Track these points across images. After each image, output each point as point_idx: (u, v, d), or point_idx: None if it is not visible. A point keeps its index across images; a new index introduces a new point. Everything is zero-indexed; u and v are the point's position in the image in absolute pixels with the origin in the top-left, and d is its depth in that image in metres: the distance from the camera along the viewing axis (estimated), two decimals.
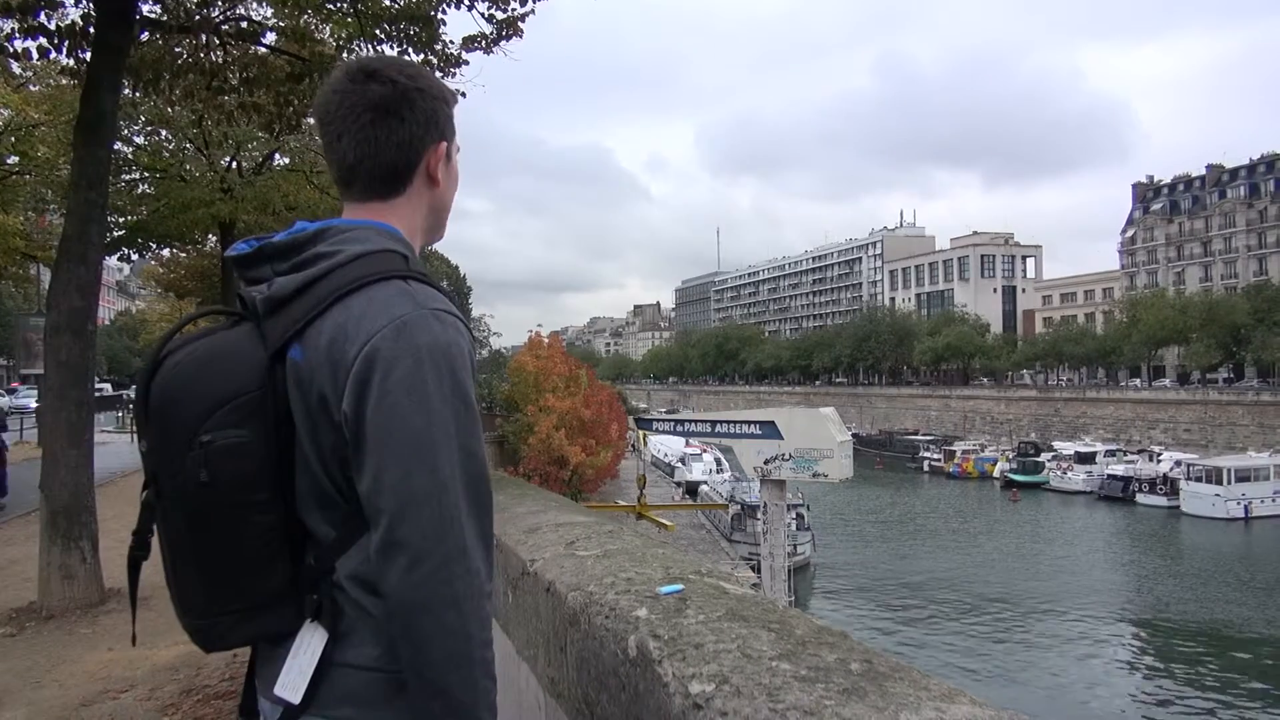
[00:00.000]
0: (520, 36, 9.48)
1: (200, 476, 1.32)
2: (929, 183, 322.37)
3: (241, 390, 1.35)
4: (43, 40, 8.04)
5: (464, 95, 9.71)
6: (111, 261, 23.74)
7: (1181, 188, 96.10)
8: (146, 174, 17.79)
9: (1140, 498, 53.12)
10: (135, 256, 21.61)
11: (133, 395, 1.55)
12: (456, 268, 71.12)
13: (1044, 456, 64.67)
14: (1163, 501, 51.36)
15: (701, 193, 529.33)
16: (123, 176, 17.31)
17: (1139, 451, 63.47)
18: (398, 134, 1.48)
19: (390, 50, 9.39)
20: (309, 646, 1.37)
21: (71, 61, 8.72)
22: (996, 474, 63.93)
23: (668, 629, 1.47)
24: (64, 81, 12.71)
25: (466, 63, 9.63)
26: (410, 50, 9.47)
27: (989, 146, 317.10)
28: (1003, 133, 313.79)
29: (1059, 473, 60.42)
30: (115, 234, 18.40)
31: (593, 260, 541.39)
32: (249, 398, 1.34)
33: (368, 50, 9.17)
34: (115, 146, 14.41)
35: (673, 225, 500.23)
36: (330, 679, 1.36)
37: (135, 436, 1.41)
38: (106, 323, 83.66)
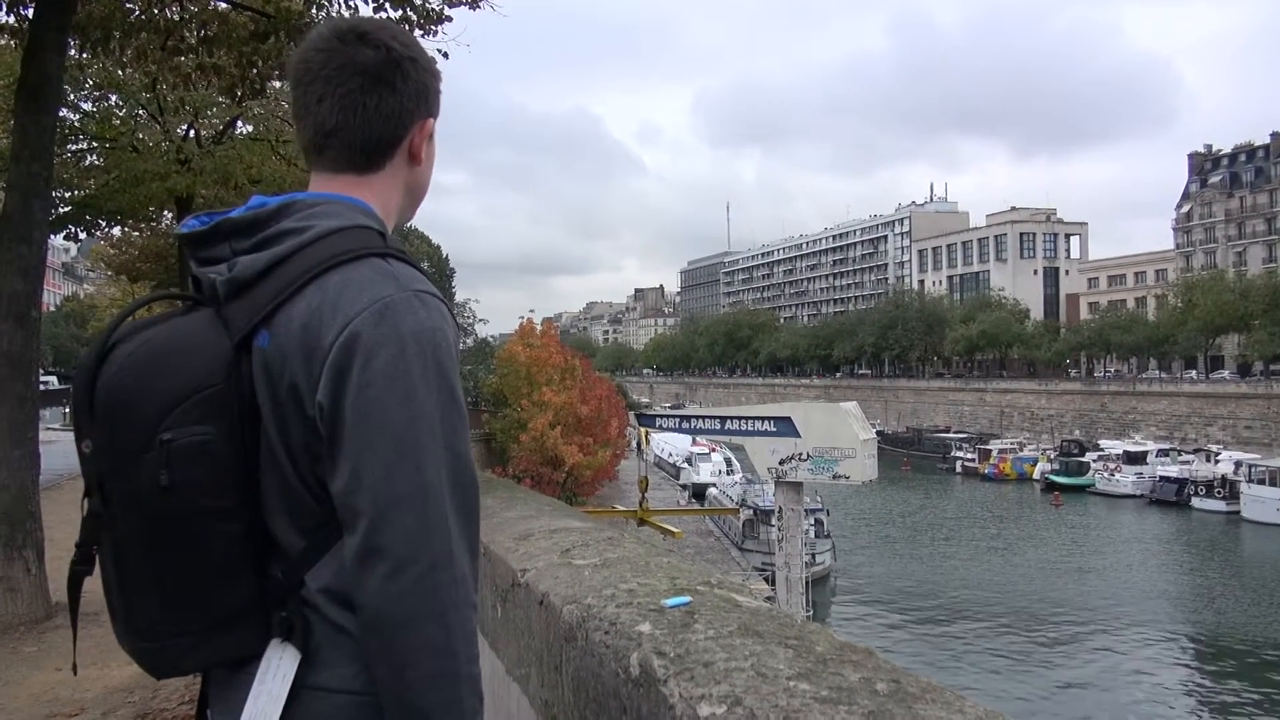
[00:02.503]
0: None
1: (160, 480, 1.29)
2: (952, 154, 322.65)
3: (205, 383, 1.32)
4: None
5: (446, 56, 9.72)
6: (57, 241, 23.72)
7: (1243, 158, 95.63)
8: (95, 144, 17.72)
9: (1196, 502, 53.17)
10: (83, 235, 21.50)
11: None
12: (438, 248, 71.08)
13: (1089, 456, 64.81)
14: (1221, 506, 51.41)
15: (701, 165, 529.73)
16: (69, 147, 17.25)
17: (1195, 451, 63.42)
18: (388, 104, 1.47)
19: (365, 6, 9.37)
20: (278, 669, 1.34)
21: (12, 19, 8.71)
22: (1036, 475, 64.00)
23: (674, 645, 1.47)
24: (4, 42, 12.67)
25: (449, 19, 9.61)
26: (387, 5, 9.44)
27: (1017, 113, 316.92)
28: (1032, 97, 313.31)
29: (1106, 474, 60.48)
30: (61, 210, 18.34)
31: (584, 239, 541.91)
32: (213, 391, 1.32)
33: (339, 6, 9.15)
34: (61, 113, 14.40)
35: (671, 200, 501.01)
36: (301, 704, 1.33)
37: (76, 436, 1.38)
38: (52, 309, 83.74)
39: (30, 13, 8.14)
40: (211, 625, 1.36)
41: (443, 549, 1.26)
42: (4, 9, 8.20)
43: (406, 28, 9.48)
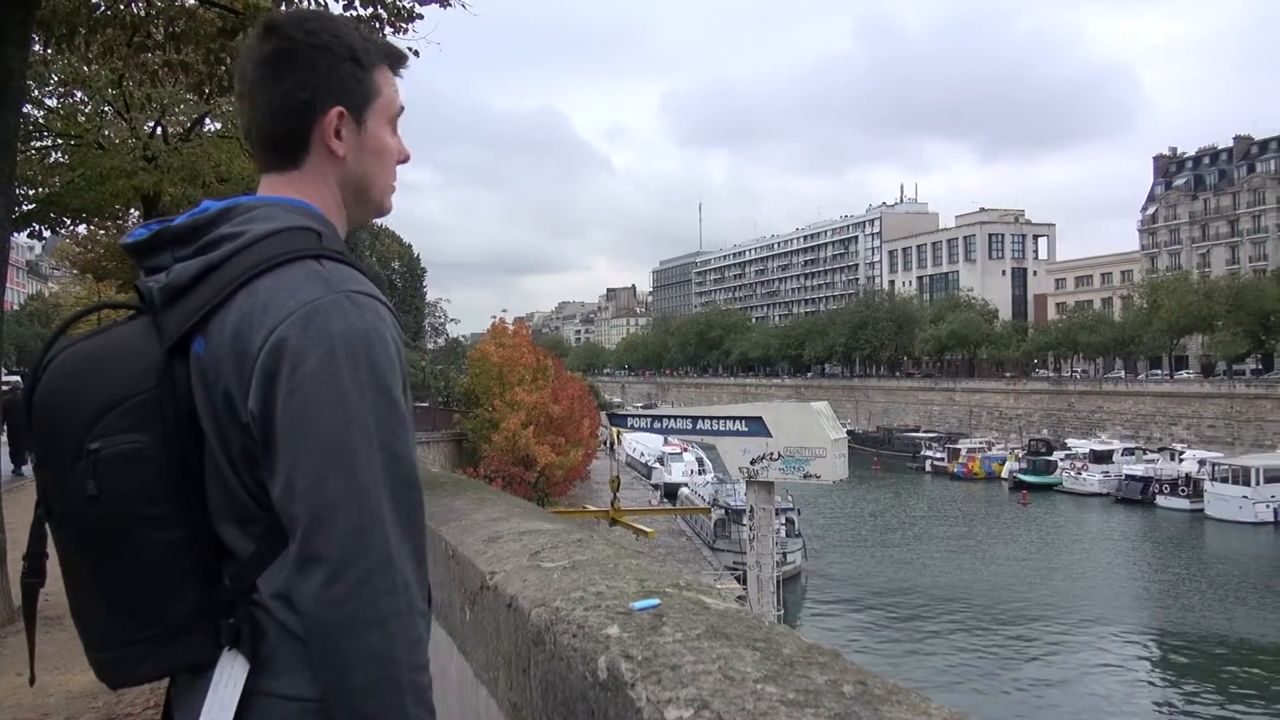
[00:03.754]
0: None
1: (88, 490, 1.28)
2: (919, 155, 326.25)
3: (134, 391, 1.31)
4: None
5: (417, 54, 9.66)
6: (21, 239, 23.42)
7: (1207, 161, 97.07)
8: (60, 141, 17.51)
9: (1161, 500, 53.85)
10: (48, 233, 21.25)
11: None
12: (409, 246, 70.84)
13: (1056, 455, 65.47)
14: (1185, 504, 52.09)
15: (669, 165, 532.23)
16: (32, 144, 17.03)
17: (1160, 450, 64.37)
18: (285, 96, 1.43)
19: (334, 4, 9.30)
20: (230, 677, 1.33)
21: None
22: (1005, 474, 64.60)
23: (642, 649, 1.47)
24: None
25: (420, 17, 9.56)
26: (357, 2, 9.38)
27: (983, 116, 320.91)
28: (996, 101, 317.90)
29: (1073, 473, 61.17)
30: (25, 208, 18.08)
31: (553, 238, 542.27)
32: (143, 398, 1.31)
33: (309, 3, 9.07)
34: (25, 110, 14.21)
35: (640, 200, 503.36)
36: (254, 711, 1.32)
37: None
38: (16, 308, 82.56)
39: None
40: (161, 634, 1.34)
41: (381, 555, 1.24)
42: None
43: (377, 25, 9.46)
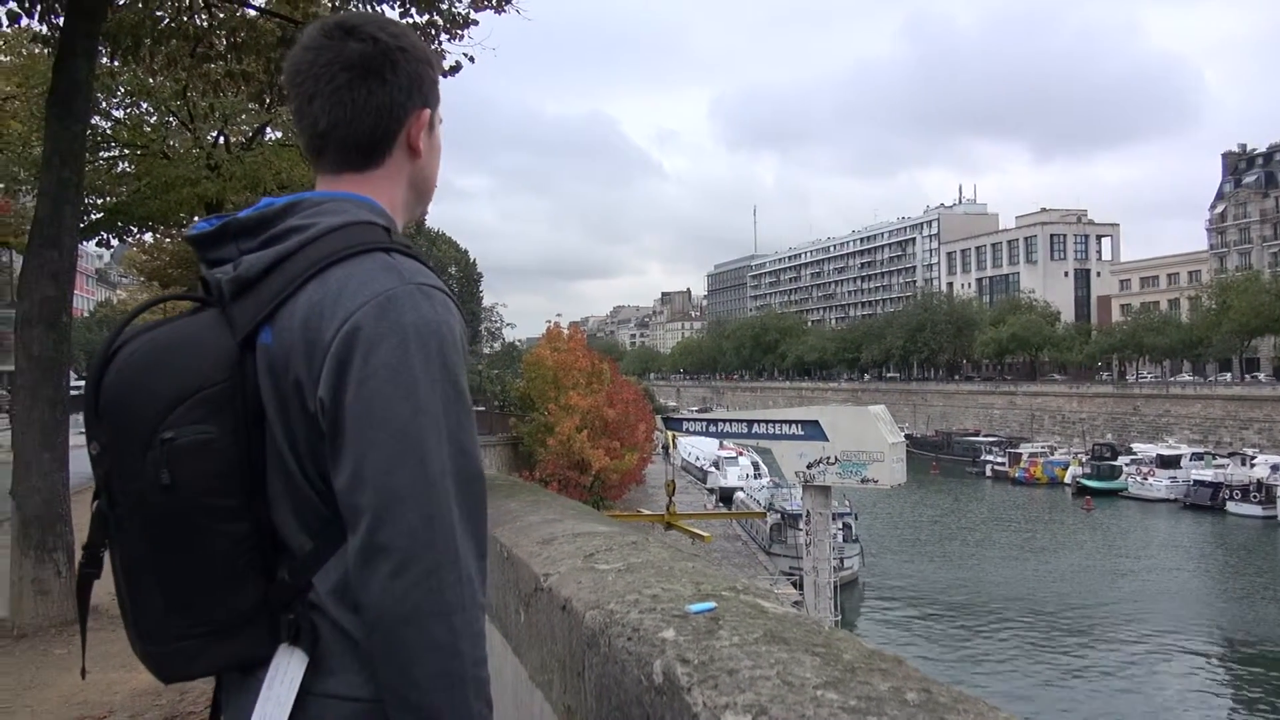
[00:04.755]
0: None
1: (162, 479, 1.29)
2: (970, 156, 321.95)
3: (207, 382, 1.32)
4: (13, 4, 8.14)
5: (472, 60, 9.76)
6: (90, 247, 24.08)
7: (1278, 157, 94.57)
8: (126, 151, 18.00)
9: (1232, 506, 52.50)
10: (115, 242, 21.83)
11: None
12: (465, 252, 71.53)
13: (1122, 460, 64.13)
14: (1258, 511, 50.75)
15: (719, 169, 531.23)
16: (100, 154, 17.52)
17: (1230, 455, 62.66)
18: (377, 97, 1.45)
19: (391, 10, 9.42)
20: (286, 674, 1.33)
21: (44, 28, 8.83)
22: (1068, 480, 63.46)
23: (698, 653, 1.44)
24: (36, 50, 12.86)
25: (475, 23, 9.67)
26: (414, 10, 9.50)
27: (1035, 114, 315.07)
28: (1049, 98, 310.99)
29: (1139, 478, 59.85)
30: (93, 217, 18.62)
31: (605, 243, 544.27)
32: (216, 390, 1.32)
33: (367, 10, 9.18)
34: (92, 121, 14.59)
35: (692, 204, 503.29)
36: (308, 711, 1.32)
37: (86, 438, 1.39)
38: (85, 314, 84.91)
39: (61, 20, 8.23)
40: (217, 628, 1.34)
41: (448, 547, 1.25)
42: (35, 17, 8.29)
43: (433, 32, 9.56)
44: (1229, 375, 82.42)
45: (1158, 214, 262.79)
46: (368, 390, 1.26)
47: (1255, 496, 51.67)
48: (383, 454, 1.25)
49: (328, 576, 1.34)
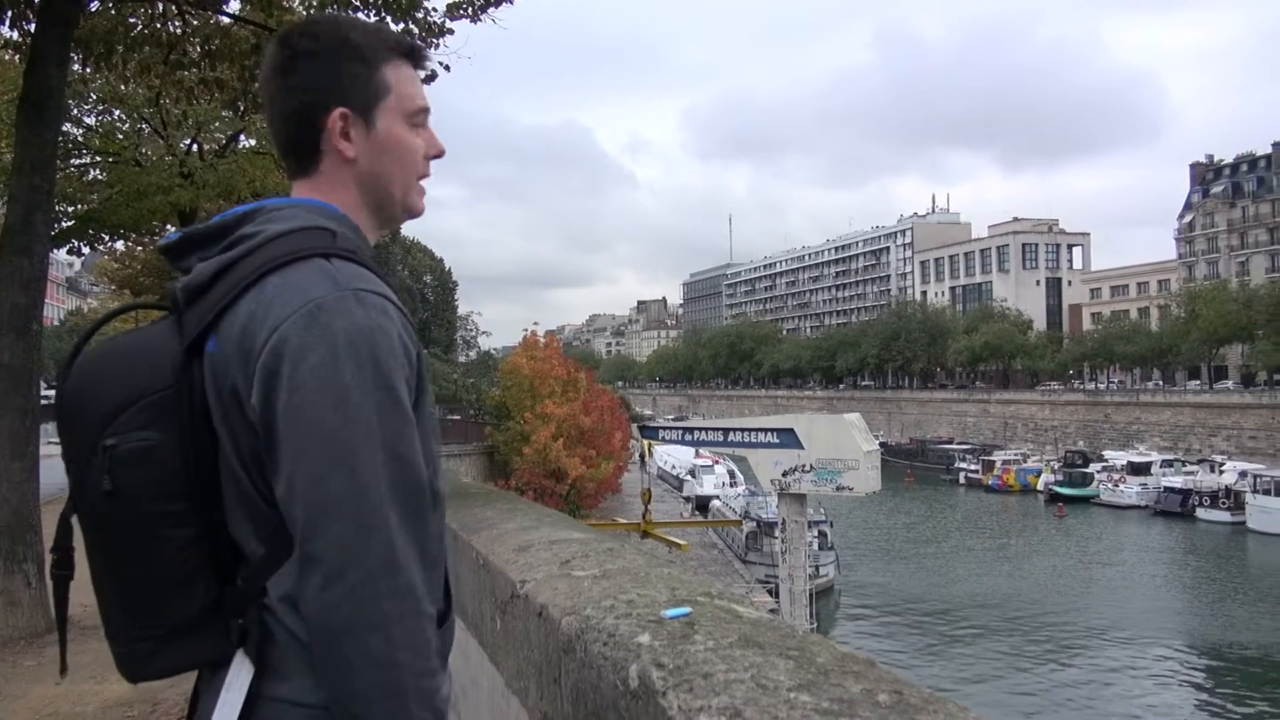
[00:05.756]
0: (511, 2, 9.51)
1: (104, 485, 1.31)
2: (942, 166, 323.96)
3: (150, 388, 1.33)
4: None
5: (448, 69, 9.75)
6: (61, 255, 23.80)
7: (1245, 168, 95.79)
8: (98, 158, 17.80)
9: (1201, 513, 53.08)
10: (86, 250, 21.60)
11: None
12: (441, 260, 71.25)
13: (1093, 467, 64.69)
14: (1226, 517, 51.33)
15: (692, 178, 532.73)
16: (72, 161, 17.31)
17: (1199, 461, 63.34)
18: (290, 102, 1.47)
19: (367, 17, 9.38)
20: (240, 679, 1.34)
21: (15, 34, 8.74)
22: (1040, 487, 63.91)
23: (673, 657, 1.45)
24: (7, 56, 12.72)
25: (451, 32, 9.66)
26: (389, 18, 9.48)
27: (1005, 125, 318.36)
28: (1019, 110, 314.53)
29: (1110, 485, 60.41)
30: (64, 224, 18.40)
31: (580, 252, 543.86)
32: (158, 396, 1.33)
33: (341, 11, 9.15)
34: (64, 128, 14.45)
35: (664, 213, 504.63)
36: (260, 715, 1.32)
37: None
38: (55, 323, 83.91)
39: (32, 26, 8.16)
40: (170, 630, 1.36)
41: (382, 557, 1.23)
42: (6, 22, 8.22)
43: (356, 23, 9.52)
44: (1197, 383, 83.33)
45: (1126, 224, 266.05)
46: (297, 400, 1.25)
47: (1224, 503, 52.24)
48: (312, 464, 1.24)
49: (280, 582, 1.33)
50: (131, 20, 9.40)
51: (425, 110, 1.55)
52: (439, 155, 1.58)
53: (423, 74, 1.58)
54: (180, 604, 1.35)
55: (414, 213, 1.58)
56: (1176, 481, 57.04)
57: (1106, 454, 69.30)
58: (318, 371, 1.25)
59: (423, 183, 1.58)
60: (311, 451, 1.24)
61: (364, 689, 1.22)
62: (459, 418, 44.54)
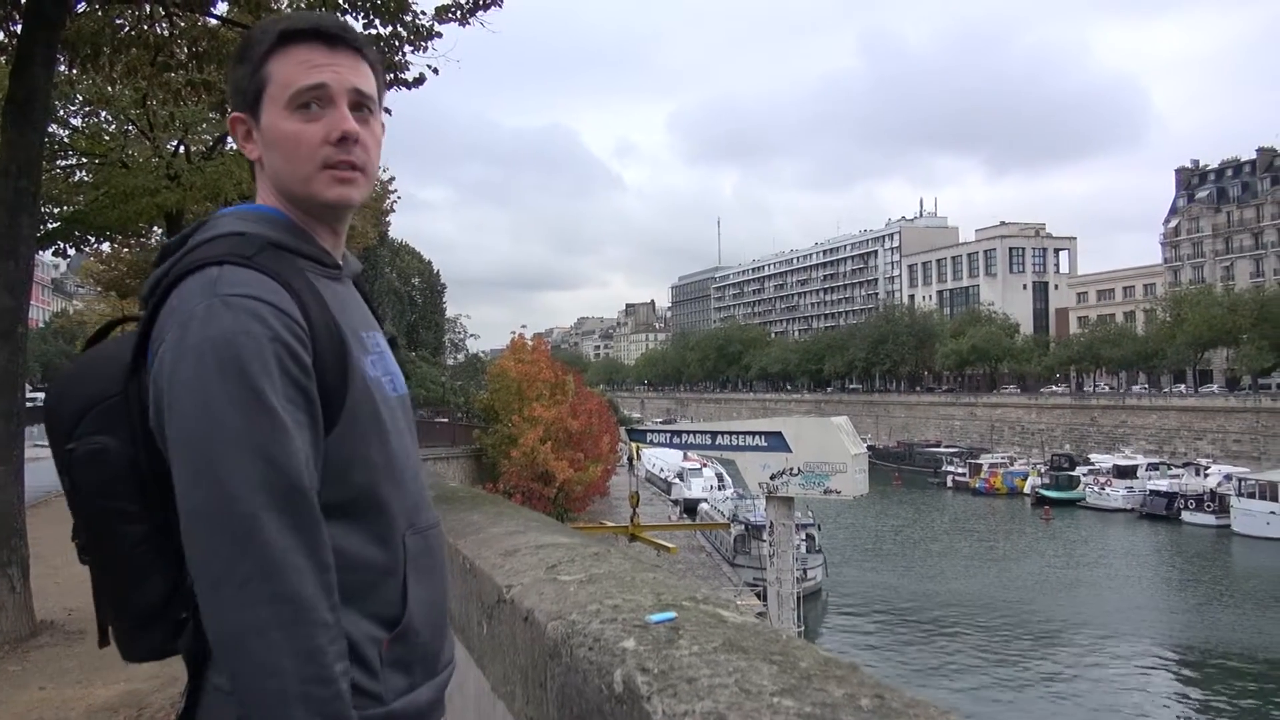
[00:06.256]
0: (500, 5, 9.52)
1: (65, 484, 1.43)
2: (928, 170, 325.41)
3: (103, 395, 1.42)
4: None
5: (436, 72, 9.75)
6: (46, 257, 23.69)
7: (1230, 173, 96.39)
8: (84, 160, 17.73)
9: (1186, 516, 53.32)
10: (72, 251, 21.54)
11: None
12: (429, 263, 71.01)
13: (1079, 470, 64.89)
14: (1211, 520, 51.53)
15: (679, 181, 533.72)
16: (58, 163, 17.24)
17: (1185, 465, 63.73)
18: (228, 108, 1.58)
19: (355, 21, 9.38)
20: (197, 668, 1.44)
21: (2, 35, 8.70)
22: (1027, 490, 64.11)
23: (658, 661, 1.46)
24: None
25: (439, 35, 9.65)
26: (377, 21, 9.47)
27: (991, 130, 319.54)
28: (1004, 115, 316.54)
29: (1096, 488, 60.62)
30: (50, 226, 18.32)
31: (567, 254, 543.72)
32: (109, 403, 1.41)
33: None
34: (50, 129, 14.38)
35: (652, 216, 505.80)
36: (204, 703, 1.41)
37: None
38: (41, 325, 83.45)
39: (18, 28, 8.13)
40: (137, 618, 1.46)
41: (257, 565, 1.24)
42: None
43: (396, 44, 9.54)
44: (1183, 387, 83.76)
45: (1110, 228, 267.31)
46: (174, 412, 1.29)
47: (1209, 506, 52.48)
48: (187, 473, 1.28)
49: None
50: (119, 22, 9.37)
51: (314, 87, 1.46)
52: (345, 136, 1.47)
53: (326, 47, 1.48)
54: (142, 594, 1.43)
55: (325, 202, 1.50)
56: (1162, 485, 57.27)
57: (1093, 457, 69.53)
58: (187, 384, 1.29)
59: (344, 171, 1.49)
60: (186, 461, 1.28)
61: (250, 692, 1.26)
62: (446, 420, 44.45)
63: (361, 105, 1.51)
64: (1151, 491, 56.84)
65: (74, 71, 11.07)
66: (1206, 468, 60.44)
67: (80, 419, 1.41)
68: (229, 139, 18.17)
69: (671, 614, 1.73)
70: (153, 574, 1.42)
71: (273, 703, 1.24)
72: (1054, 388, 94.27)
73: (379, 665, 1.42)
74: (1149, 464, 63.49)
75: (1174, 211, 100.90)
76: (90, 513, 1.42)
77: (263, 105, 1.48)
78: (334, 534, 1.36)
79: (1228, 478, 54.36)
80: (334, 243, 1.56)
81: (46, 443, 1.51)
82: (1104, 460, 66.35)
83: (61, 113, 16.06)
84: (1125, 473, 61.13)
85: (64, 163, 17.67)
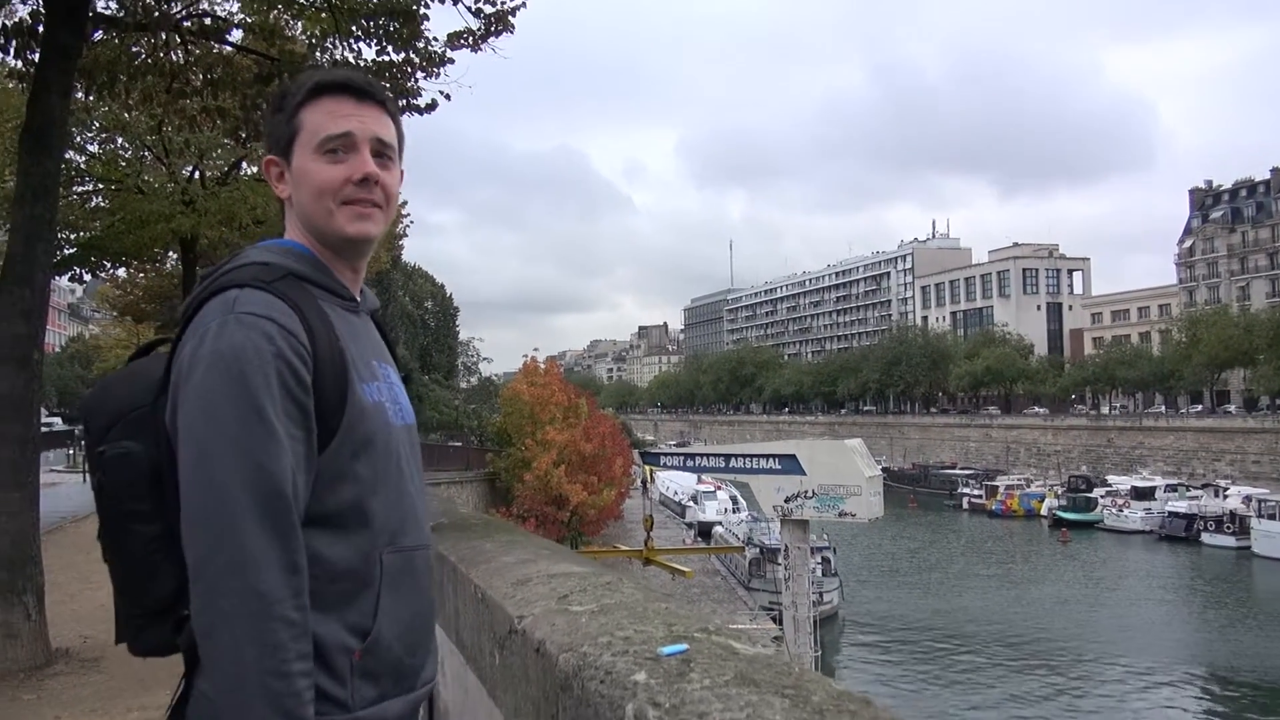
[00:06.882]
0: (511, 32, 9.57)
1: (92, 484, 1.58)
2: (937, 192, 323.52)
3: (133, 405, 1.57)
4: None
5: (448, 98, 9.81)
6: (63, 282, 23.96)
7: (1244, 193, 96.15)
8: (101, 185, 17.88)
9: (1206, 537, 52.87)
10: (88, 277, 21.69)
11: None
12: (442, 286, 71.24)
13: (1097, 492, 64.49)
14: (1231, 542, 51.08)
15: (688, 203, 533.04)
16: (75, 189, 17.39)
17: (1203, 486, 63.16)
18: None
19: (368, 48, 9.47)
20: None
21: (19, 64, 8.80)
22: (1044, 512, 63.73)
23: (669, 695, 1.45)
24: (11, 85, 12.81)
25: (452, 61, 9.71)
26: (390, 48, 9.56)
27: (1000, 152, 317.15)
28: (1013, 136, 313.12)
29: (1114, 510, 60.17)
30: (66, 252, 18.47)
31: (579, 276, 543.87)
32: (139, 412, 1.56)
33: (343, 50, 9.23)
34: (67, 155, 14.52)
35: (662, 238, 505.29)
36: (191, 704, 1.50)
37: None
38: (57, 350, 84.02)
39: (36, 56, 8.21)
40: (147, 612, 1.57)
41: (232, 558, 1.36)
42: (10, 53, 8.27)
43: (409, 70, 9.62)
44: (1200, 407, 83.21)
45: (1123, 249, 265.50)
46: (182, 413, 1.44)
47: (1229, 528, 52.03)
48: (187, 469, 1.42)
49: None
50: (135, 50, 9.46)
51: (340, 135, 1.64)
52: (366, 180, 1.64)
53: (354, 100, 1.66)
54: (152, 590, 1.54)
55: (345, 236, 1.67)
56: (1181, 506, 56.83)
57: (1110, 479, 69.14)
58: (197, 387, 1.43)
59: (364, 208, 1.66)
60: (187, 458, 1.43)
61: (218, 680, 1.38)
62: (460, 444, 44.48)
63: (383, 153, 1.68)
64: (1170, 513, 56.39)
65: (91, 99, 11.19)
66: (1226, 489, 59.88)
67: (112, 425, 1.56)
68: (243, 164, 18.47)
69: (683, 646, 1.71)
70: (163, 571, 1.52)
71: (234, 690, 1.35)
72: (1082, 404, 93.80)
73: (349, 674, 1.51)
74: (1167, 485, 63.00)
75: (1188, 232, 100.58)
76: (111, 511, 1.55)
77: (294, 149, 1.65)
78: (319, 543, 1.48)
79: (1247, 499, 53.87)
80: (353, 279, 1.72)
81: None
82: (1121, 482, 65.94)
83: (79, 139, 16.22)
84: (1143, 494, 60.67)
85: (81, 188, 17.83)
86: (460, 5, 9.37)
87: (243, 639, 1.34)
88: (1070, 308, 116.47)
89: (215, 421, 1.40)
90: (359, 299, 1.73)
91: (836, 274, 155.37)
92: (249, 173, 18.60)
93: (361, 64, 9.71)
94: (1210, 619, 37.46)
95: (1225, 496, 57.38)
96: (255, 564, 1.36)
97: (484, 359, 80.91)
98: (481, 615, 2.75)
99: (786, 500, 23.90)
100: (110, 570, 1.60)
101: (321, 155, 1.62)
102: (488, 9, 9.36)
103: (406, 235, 35.36)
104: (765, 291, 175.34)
